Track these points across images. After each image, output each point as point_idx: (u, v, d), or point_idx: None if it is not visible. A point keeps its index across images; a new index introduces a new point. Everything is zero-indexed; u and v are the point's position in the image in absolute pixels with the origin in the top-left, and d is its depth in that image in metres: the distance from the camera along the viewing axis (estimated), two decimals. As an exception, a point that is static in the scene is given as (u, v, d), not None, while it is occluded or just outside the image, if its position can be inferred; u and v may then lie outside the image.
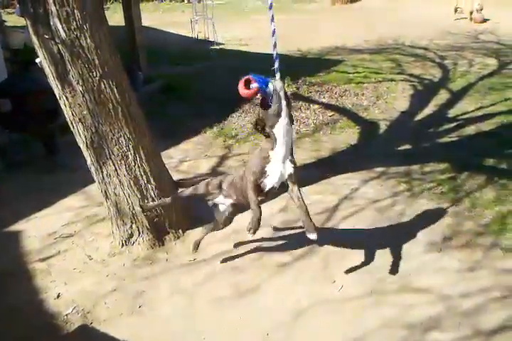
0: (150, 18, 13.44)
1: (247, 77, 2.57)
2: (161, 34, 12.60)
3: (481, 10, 13.06)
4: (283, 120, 2.60)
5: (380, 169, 4.75)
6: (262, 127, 2.66)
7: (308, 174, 4.63)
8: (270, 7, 2.98)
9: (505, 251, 3.45)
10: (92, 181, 3.65)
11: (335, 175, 4.63)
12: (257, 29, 12.88)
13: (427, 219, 3.87)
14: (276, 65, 2.97)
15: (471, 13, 13.22)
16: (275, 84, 2.55)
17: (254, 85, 2.54)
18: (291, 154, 2.75)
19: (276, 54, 2.96)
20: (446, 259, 3.42)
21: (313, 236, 2.72)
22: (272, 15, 2.94)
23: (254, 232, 2.70)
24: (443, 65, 8.77)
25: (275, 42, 2.97)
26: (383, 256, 3.48)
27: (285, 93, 2.58)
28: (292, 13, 15.18)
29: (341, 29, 12.67)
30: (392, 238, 3.66)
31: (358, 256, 3.49)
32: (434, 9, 14.41)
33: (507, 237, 3.60)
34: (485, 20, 13.09)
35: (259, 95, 2.61)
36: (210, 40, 11.73)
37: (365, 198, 4.24)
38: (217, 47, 11.31)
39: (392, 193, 4.30)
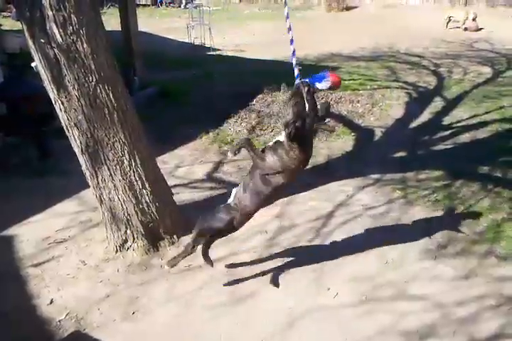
0: (146, 23, 13.46)
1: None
2: (158, 39, 12.62)
3: (476, 18, 13.19)
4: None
5: (375, 176, 4.77)
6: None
7: (303, 180, 4.62)
8: (285, 4, 3.06)
9: (500, 259, 3.47)
10: (87, 186, 3.62)
11: (330, 182, 4.64)
12: (253, 35, 12.94)
13: (422, 227, 3.87)
14: (294, 61, 3.03)
15: (464, 22, 13.35)
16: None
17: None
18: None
19: (294, 50, 3.01)
20: (441, 267, 3.42)
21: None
22: (288, 13, 3.02)
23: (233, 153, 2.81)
24: (438, 73, 8.83)
25: (292, 38, 3.04)
26: (378, 264, 3.48)
27: (304, 93, 2.80)
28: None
29: (337, 36, 12.74)
30: (387, 245, 3.66)
31: (352, 263, 3.49)
32: (428, 17, 14.52)
33: (502, 245, 3.61)
34: (479, 29, 13.21)
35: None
36: (206, 45, 11.77)
37: (360, 205, 4.24)
38: (214, 52, 11.34)
39: (387, 200, 4.31)
